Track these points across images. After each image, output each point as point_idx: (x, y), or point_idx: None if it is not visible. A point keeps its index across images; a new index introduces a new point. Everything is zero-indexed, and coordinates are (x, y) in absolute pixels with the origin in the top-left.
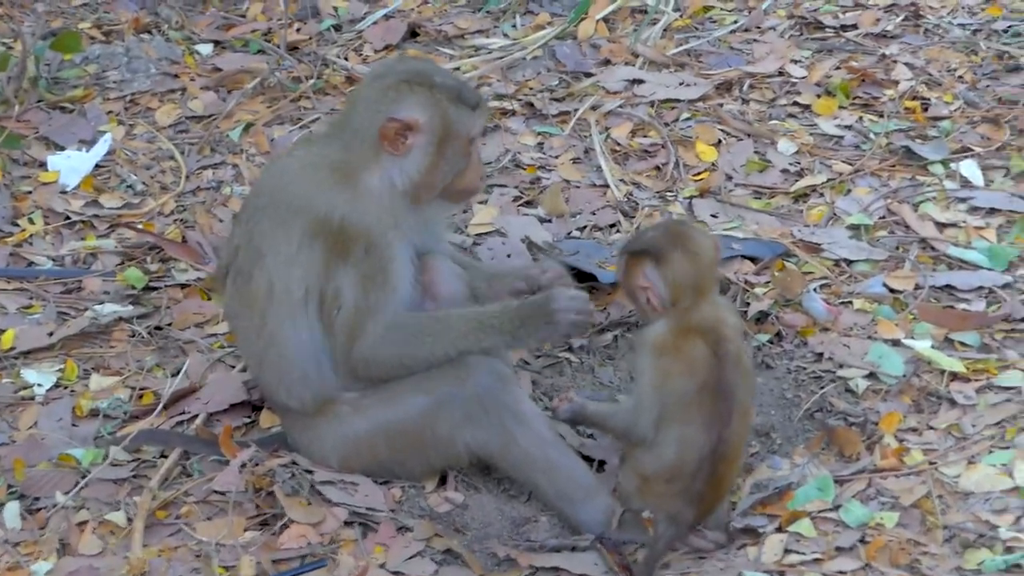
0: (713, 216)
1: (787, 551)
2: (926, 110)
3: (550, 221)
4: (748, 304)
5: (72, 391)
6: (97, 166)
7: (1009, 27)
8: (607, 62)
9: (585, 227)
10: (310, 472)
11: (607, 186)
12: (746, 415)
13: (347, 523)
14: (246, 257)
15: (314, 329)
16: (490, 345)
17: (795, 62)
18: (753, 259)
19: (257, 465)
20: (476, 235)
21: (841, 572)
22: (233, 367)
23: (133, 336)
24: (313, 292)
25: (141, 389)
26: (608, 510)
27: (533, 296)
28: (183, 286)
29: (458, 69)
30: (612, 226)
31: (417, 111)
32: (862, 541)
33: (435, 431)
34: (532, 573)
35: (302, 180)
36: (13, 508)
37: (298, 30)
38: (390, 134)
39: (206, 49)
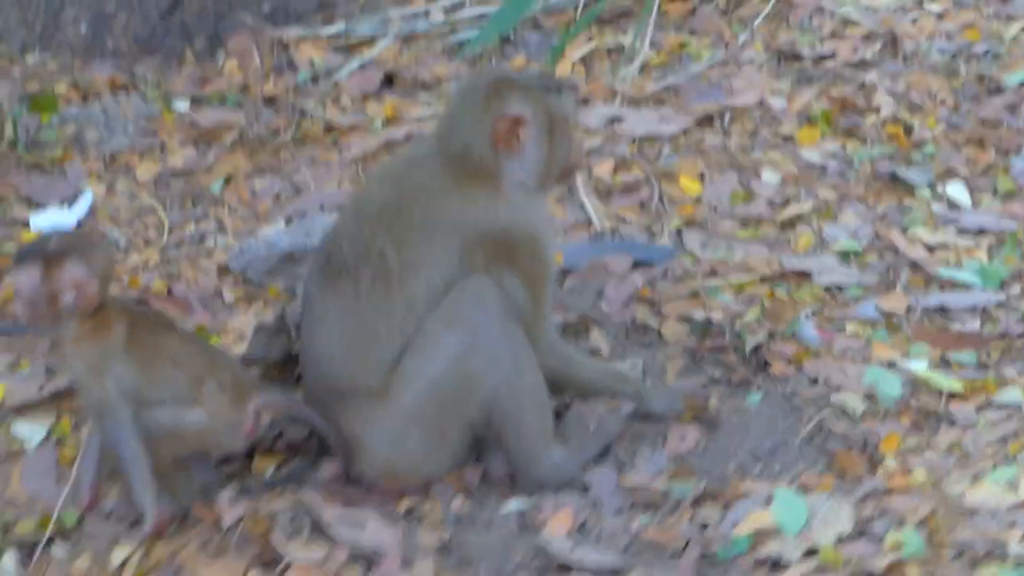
0: (702, 246)
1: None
2: (909, 135)
3: None
4: (740, 338)
5: (64, 444)
6: (79, 224)
7: (988, 51)
8: (586, 101)
9: None
10: (315, 510)
11: (590, 223)
12: None
13: (351, 560)
14: (396, 263)
15: None
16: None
17: (775, 93)
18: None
19: (260, 502)
20: None
21: None
22: None
23: None
24: None
25: None
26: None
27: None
28: None
29: (436, 116)
30: None
31: (518, 107)
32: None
33: (470, 367)
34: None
35: (452, 197)
36: (10, 557)
37: (274, 83)
38: (503, 133)
39: (183, 105)
